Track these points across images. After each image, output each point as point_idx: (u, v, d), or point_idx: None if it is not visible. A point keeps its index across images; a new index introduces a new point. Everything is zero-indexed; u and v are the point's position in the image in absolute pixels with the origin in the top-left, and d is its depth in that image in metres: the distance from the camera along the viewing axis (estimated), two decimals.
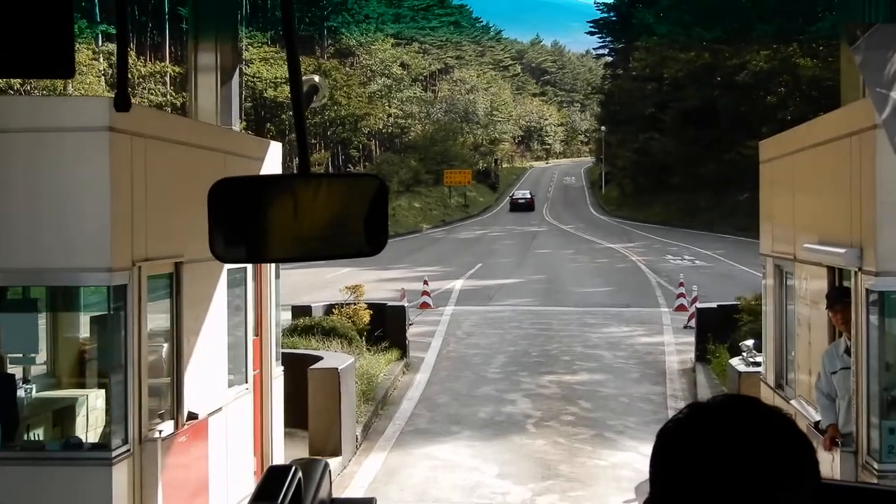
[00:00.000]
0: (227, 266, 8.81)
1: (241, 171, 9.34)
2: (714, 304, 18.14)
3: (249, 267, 9.53)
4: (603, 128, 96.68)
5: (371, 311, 17.83)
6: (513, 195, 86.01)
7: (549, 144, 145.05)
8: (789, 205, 8.88)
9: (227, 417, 8.80)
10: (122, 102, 1.90)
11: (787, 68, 53.49)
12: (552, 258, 43.92)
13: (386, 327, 17.97)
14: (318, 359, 12.35)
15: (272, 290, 10.17)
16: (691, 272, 34.88)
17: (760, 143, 10.84)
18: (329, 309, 18.12)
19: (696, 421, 1.52)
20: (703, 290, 24.75)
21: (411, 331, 22.08)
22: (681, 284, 25.74)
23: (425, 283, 26.86)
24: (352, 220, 2.27)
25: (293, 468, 2.37)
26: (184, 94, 48.78)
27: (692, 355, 17.91)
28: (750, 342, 12.32)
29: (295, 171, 2.33)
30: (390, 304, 18.34)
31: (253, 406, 9.69)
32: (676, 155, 68.77)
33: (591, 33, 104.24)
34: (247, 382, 9.52)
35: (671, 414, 1.87)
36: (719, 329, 17.00)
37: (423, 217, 69.92)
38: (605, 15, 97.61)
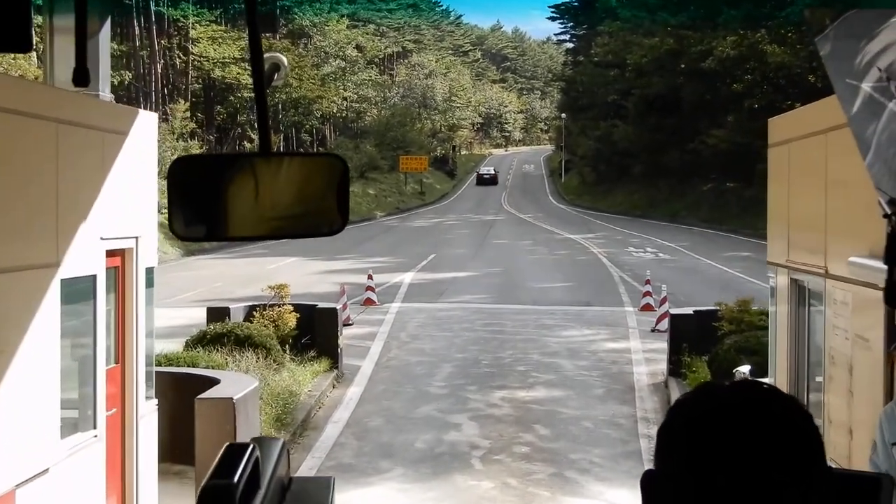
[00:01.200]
0: (61, 276, 6.47)
1: (83, 146, 6.96)
2: (690, 311, 15.96)
3: (100, 275, 7.17)
4: (563, 115, 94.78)
5: (298, 315, 15.48)
6: (479, 171, 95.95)
7: (508, 132, 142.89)
8: (818, 201, 6.60)
9: (58, 480, 6.44)
10: (80, 77, 1.83)
11: (755, 55, 51.50)
12: (509, 249, 41.70)
13: (315, 332, 15.63)
14: (215, 382, 9.97)
15: (138, 303, 7.82)
16: (655, 266, 32.82)
17: (770, 121, 8.61)
18: (251, 311, 15.73)
19: (708, 399, 1.50)
20: (669, 287, 22.65)
21: (350, 332, 19.79)
22: (647, 282, 23.59)
23: (370, 277, 24.49)
24: (313, 200, 2.29)
25: (251, 446, 2.11)
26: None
27: (663, 366, 15.77)
28: (745, 369, 10.06)
29: (255, 150, 2.40)
30: (321, 305, 15.95)
31: (106, 457, 7.34)
32: (639, 143, 66.79)
33: (553, 18, 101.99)
34: (94, 428, 7.15)
35: (643, 444, 1.43)
36: (696, 339, 14.85)
37: (378, 204, 67.45)
38: (567, 0, 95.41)
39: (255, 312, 15.46)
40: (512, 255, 39.11)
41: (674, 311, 16.16)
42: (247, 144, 62.15)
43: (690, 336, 14.92)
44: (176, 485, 9.58)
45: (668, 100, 62.57)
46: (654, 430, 12.39)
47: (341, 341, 15.68)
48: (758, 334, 13.25)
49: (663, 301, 20.28)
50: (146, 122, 8.25)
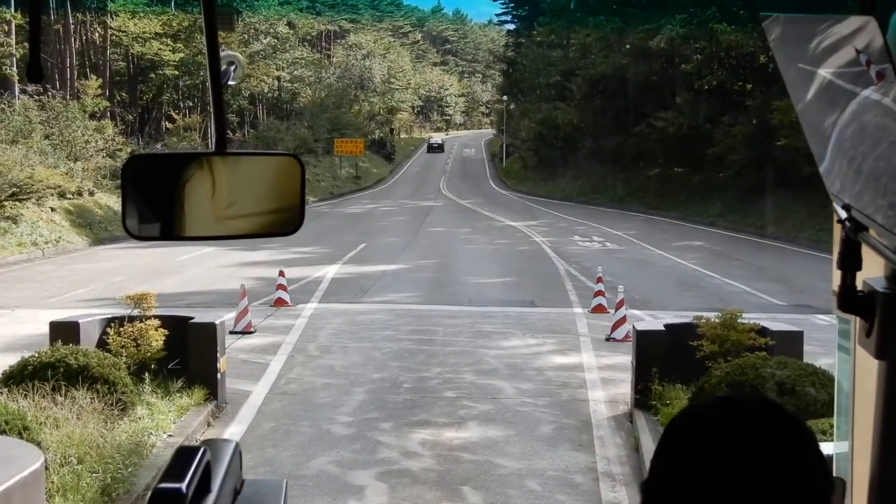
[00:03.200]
0: None
1: None
2: (660, 325, 12.75)
3: None
4: (505, 97, 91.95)
5: (167, 331, 12.07)
6: (429, 140, 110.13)
7: (449, 115, 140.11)
8: None
9: None
10: (34, 73, 1.79)
11: (704, 34, 48.72)
12: (446, 238, 38.48)
13: (189, 353, 12.22)
14: None
15: None
16: (604, 257, 29.90)
17: None
18: (107, 325, 12.30)
19: (697, 417, 1.51)
20: (620, 282, 19.62)
21: (248, 344, 16.44)
22: (599, 280, 20.47)
23: (281, 273, 21.10)
24: (268, 199, 2.31)
25: (202, 449, 2.01)
26: (25, 44, 41.94)
27: (625, 390, 12.66)
28: None
29: (212, 148, 2.27)
30: (196, 319, 12.50)
31: None
32: (583, 127, 64.16)
33: None
34: None
35: None
36: (668, 360, 11.72)
37: (310, 189, 63.68)
38: None
39: (109, 328, 12.04)
40: (449, 244, 35.94)
41: (640, 325, 12.93)
42: (168, 125, 58.15)
43: (661, 357, 11.79)
44: None
45: (614, 81, 60.02)
46: (620, 493, 9.20)
47: (221, 364, 12.27)
48: (754, 362, 10.13)
49: (620, 304, 17.17)
50: None
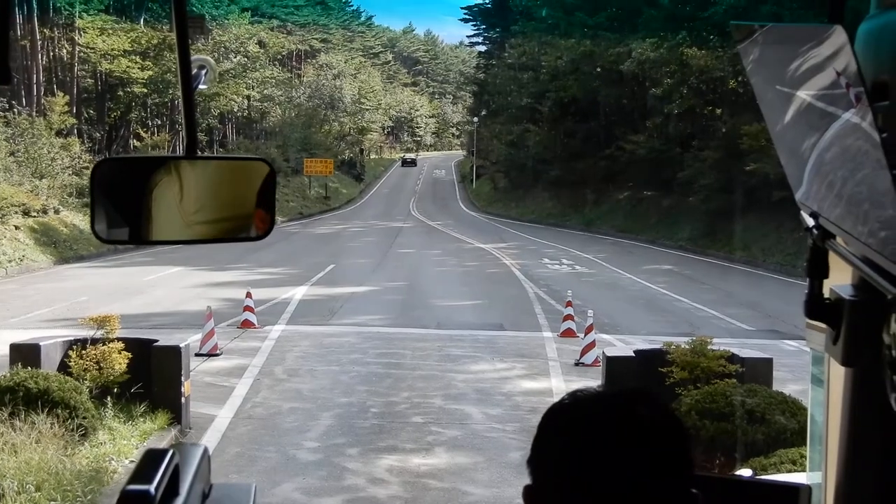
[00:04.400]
0: None
1: None
2: (629, 351, 12.71)
3: None
4: (475, 119, 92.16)
5: (130, 354, 11.90)
6: (403, 156, 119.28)
7: (419, 136, 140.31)
8: None
9: None
10: (2, 75, 1.61)
11: (675, 58, 49.03)
12: (415, 260, 38.38)
13: (153, 376, 12.05)
14: None
15: None
16: (573, 281, 29.90)
17: None
18: (69, 348, 12.10)
19: (577, 408, 1.54)
20: (588, 306, 19.60)
21: (213, 366, 16.27)
22: (568, 304, 20.43)
23: (248, 295, 20.91)
24: (238, 204, 2.30)
25: (171, 452, 2.02)
26: None
27: None
28: (746, 473, 6.77)
29: (182, 153, 2.27)
30: (160, 342, 12.34)
31: None
32: (553, 149, 64.33)
33: (466, 20, 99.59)
34: None
35: None
36: (637, 384, 11.63)
37: (279, 209, 63.53)
38: (481, 1, 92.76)
39: (71, 350, 11.85)
40: (418, 266, 35.84)
41: (610, 351, 12.91)
42: (136, 143, 57.74)
43: (630, 383, 11.70)
44: None
45: (584, 104, 60.34)
46: None
47: (186, 388, 12.11)
48: (724, 389, 10.11)
49: (589, 329, 17.14)
50: None
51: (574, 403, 1.54)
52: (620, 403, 1.51)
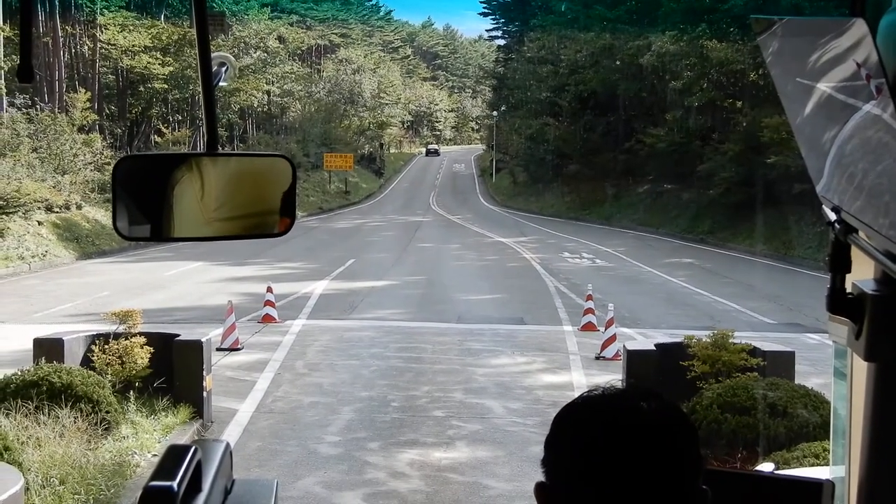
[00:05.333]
0: None
1: None
2: (650, 344, 12.69)
3: None
4: (495, 112, 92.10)
5: (152, 348, 11.95)
6: (427, 146, 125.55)
7: (439, 130, 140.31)
8: None
9: None
10: (25, 73, 1.82)
11: (695, 50, 48.82)
12: (435, 254, 38.40)
13: (175, 371, 12.11)
14: None
15: None
16: (593, 274, 29.79)
17: None
18: (93, 342, 12.17)
19: (587, 408, 1.56)
20: (609, 299, 19.54)
21: (235, 361, 16.32)
22: (588, 297, 20.41)
23: (269, 290, 20.95)
24: (259, 200, 2.30)
25: (193, 448, 2.01)
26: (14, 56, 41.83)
27: None
28: (768, 467, 6.71)
29: (203, 149, 2.27)
30: (182, 336, 12.40)
31: None
32: (572, 143, 64.19)
33: (485, 14, 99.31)
34: None
35: None
36: (659, 380, 11.62)
37: (299, 203, 62.86)
38: None
39: (94, 345, 11.91)
40: (438, 260, 35.86)
41: (630, 344, 12.88)
42: (157, 139, 57.99)
43: (651, 377, 11.70)
44: None
45: (604, 97, 60.19)
46: None
47: (207, 382, 12.16)
48: (746, 383, 10.07)
49: (610, 323, 17.10)
50: None
51: (584, 403, 1.58)
52: (629, 402, 1.53)
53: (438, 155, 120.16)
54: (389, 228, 52.24)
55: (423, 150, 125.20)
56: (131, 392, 11.41)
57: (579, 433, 1.53)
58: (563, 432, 1.57)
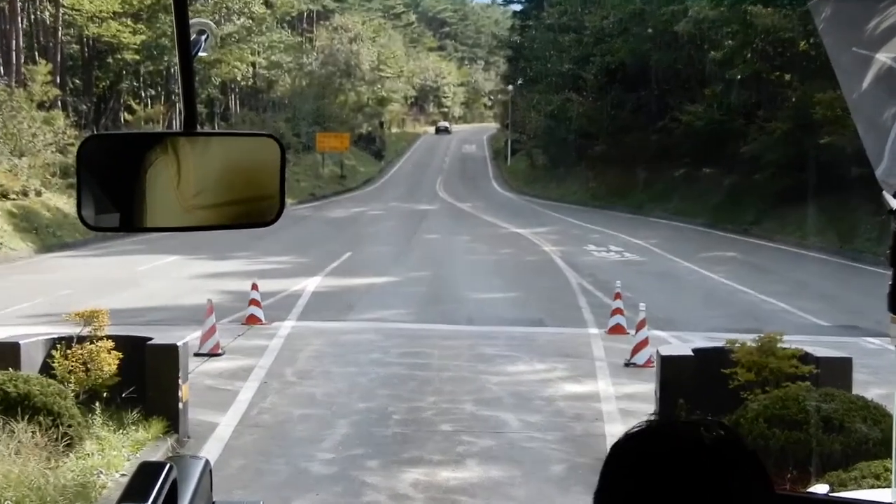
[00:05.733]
0: None
1: None
2: (687, 349, 12.66)
3: None
4: (510, 87, 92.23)
5: (121, 353, 11.94)
6: (437, 124, 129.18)
7: (447, 107, 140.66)
8: None
9: None
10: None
11: (737, 16, 48.75)
12: (443, 247, 38.51)
13: (147, 379, 12.10)
14: None
15: None
16: (622, 269, 29.82)
17: None
18: (53, 347, 12.18)
19: (644, 442, 1.60)
20: (640, 298, 19.53)
21: (216, 367, 16.34)
22: (617, 296, 20.39)
23: (254, 287, 20.98)
24: (243, 186, 2.29)
25: (168, 465, 2.08)
26: None
27: None
28: (822, 489, 6.67)
29: (180, 128, 2.28)
30: (154, 342, 12.39)
31: None
32: (598, 121, 64.23)
33: None
34: None
35: None
36: (696, 390, 11.60)
37: (289, 190, 63.49)
38: None
39: (55, 350, 11.91)
40: (446, 254, 35.97)
41: (664, 349, 12.85)
42: (127, 117, 58.15)
43: (688, 386, 11.67)
44: None
45: (634, 70, 60.20)
46: None
47: (184, 392, 12.16)
48: (797, 394, 10.03)
49: (641, 325, 17.08)
50: None
51: (640, 437, 1.62)
52: (688, 435, 1.58)
53: (449, 133, 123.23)
54: (391, 218, 52.44)
55: (429, 129, 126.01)
56: (97, 403, 11.40)
57: (637, 472, 1.57)
58: (618, 470, 1.61)
